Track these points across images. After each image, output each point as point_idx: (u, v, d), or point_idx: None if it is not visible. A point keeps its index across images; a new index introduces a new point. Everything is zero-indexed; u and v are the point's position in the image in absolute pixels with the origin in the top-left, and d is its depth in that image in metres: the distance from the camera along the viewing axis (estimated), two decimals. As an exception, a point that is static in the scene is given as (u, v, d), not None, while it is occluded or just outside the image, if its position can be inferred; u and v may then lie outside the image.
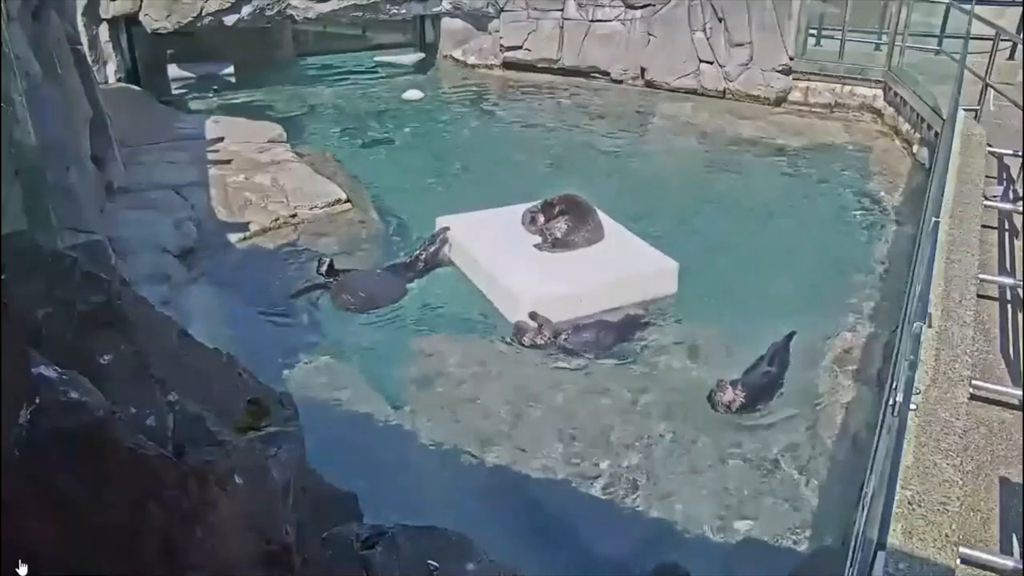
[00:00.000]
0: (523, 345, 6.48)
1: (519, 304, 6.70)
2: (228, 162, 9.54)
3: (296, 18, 13.61)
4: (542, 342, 6.46)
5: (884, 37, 12.46)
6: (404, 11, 14.62)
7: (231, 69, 14.22)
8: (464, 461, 5.36)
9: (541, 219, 7.57)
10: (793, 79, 12.58)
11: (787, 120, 12.20)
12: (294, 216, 8.52)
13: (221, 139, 10.20)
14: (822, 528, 4.84)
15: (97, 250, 5.76)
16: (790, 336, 6.47)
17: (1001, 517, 3.78)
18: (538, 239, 7.54)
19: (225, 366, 2.72)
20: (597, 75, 14.13)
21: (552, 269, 7.15)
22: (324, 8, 13.59)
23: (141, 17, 12.37)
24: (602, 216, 7.79)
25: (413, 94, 13.72)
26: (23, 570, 1.46)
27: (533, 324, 6.55)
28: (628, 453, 5.41)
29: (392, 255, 7.98)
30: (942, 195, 6.34)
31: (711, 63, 13.01)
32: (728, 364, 6.37)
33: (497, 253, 7.34)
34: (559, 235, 7.43)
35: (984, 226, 6.32)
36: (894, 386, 4.39)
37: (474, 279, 7.42)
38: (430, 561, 2.71)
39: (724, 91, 12.98)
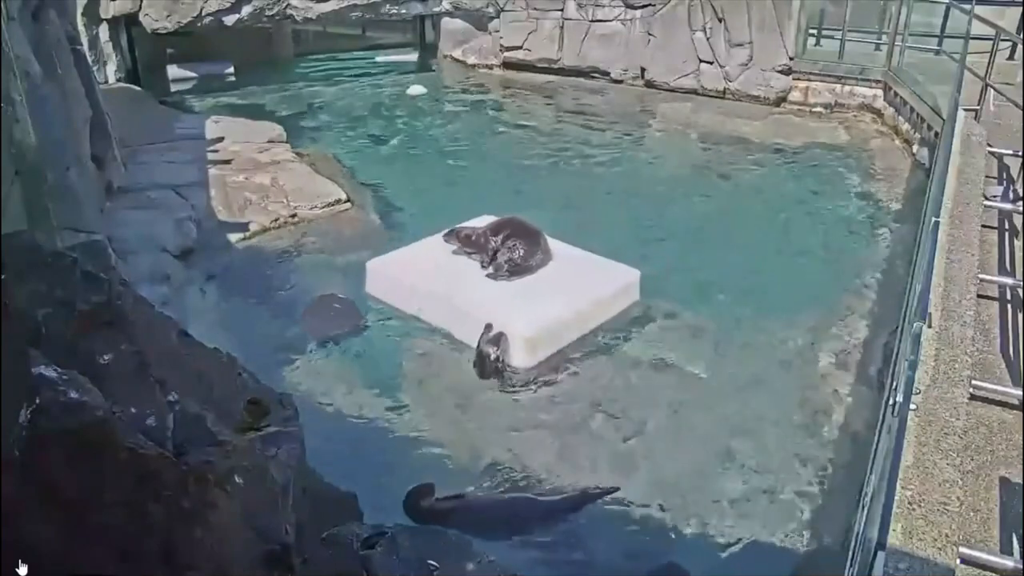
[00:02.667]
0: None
1: (514, 341, 6.25)
2: (228, 162, 9.55)
3: (296, 18, 13.62)
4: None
5: (884, 37, 12.45)
6: (404, 11, 14.64)
7: (231, 69, 14.23)
8: (463, 462, 5.36)
9: (490, 245, 7.02)
10: (793, 79, 12.57)
11: (787, 120, 12.20)
12: (294, 216, 8.53)
13: (221, 139, 10.20)
14: (822, 528, 4.84)
15: (97, 250, 5.75)
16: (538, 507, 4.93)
17: (1001, 517, 3.78)
18: (474, 265, 7.03)
19: (225, 366, 2.72)
20: (597, 75, 14.13)
21: (528, 298, 6.62)
22: (324, 8, 13.60)
23: (141, 17, 12.38)
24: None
25: (417, 89, 13.84)
26: (23, 570, 1.47)
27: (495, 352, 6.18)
28: (627, 454, 5.42)
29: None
30: (942, 195, 6.34)
31: (711, 63, 13.01)
32: (727, 364, 6.38)
33: (455, 288, 6.75)
34: (518, 260, 6.93)
35: (984, 226, 6.32)
36: (894, 386, 4.39)
37: (431, 319, 6.74)
38: (430, 561, 2.71)
39: (724, 91, 12.98)
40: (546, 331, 6.38)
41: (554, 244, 7.33)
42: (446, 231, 7.32)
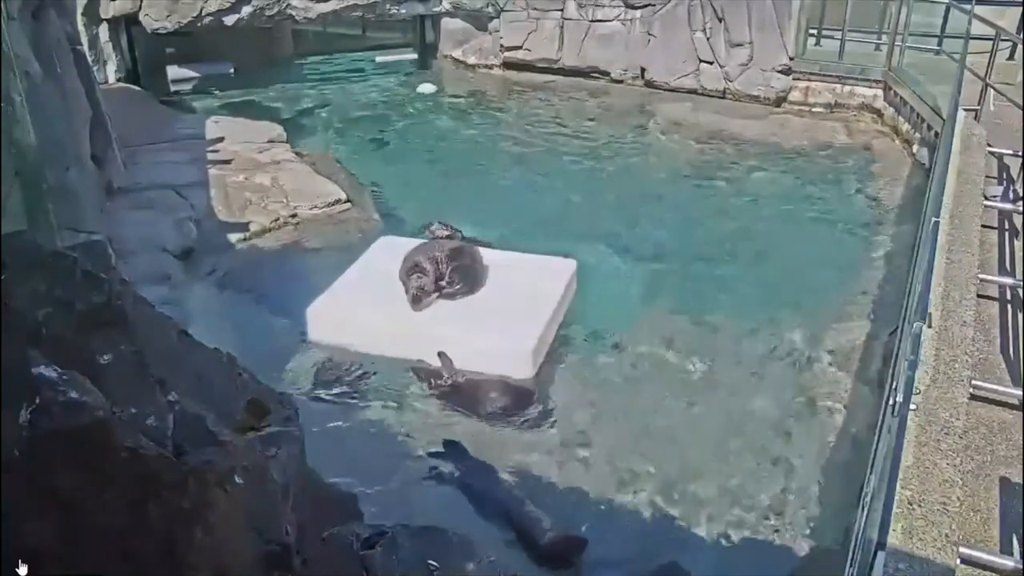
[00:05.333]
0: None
1: (519, 355, 6.14)
2: (228, 162, 9.55)
3: (296, 18, 13.61)
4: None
5: (884, 37, 12.44)
6: (404, 11, 14.62)
7: (231, 69, 14.23)
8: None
9: (432, 269, 6.61)
10: (793, 79, 12.56)
11: (787, 120, 12.19)
12: (294, 216, 8.52)
13: (221, 139, 10.20)
14: (822, 528, 4.84)
15: (97, 250, 5.75)
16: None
17: (1001, 517, 3.78)
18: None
19: (225, 366, 2.71)
20: (597, 75, 14.12)
21: (506, 311, 6.45)
22: (324, 8, 13.58)
23: (141, 17, 12.37)
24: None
25: (427, 88, 13.93)
26: (23, 570, 1.47)
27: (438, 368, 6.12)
28: (626, 454, 5.42)
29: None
30: (942, 195, 6.34)
31: (711, 63, 13.00)
32: (725, 363, 6.38)
33: (422, 316, 6.47)
34: (473, 275, 6.74)
35: (984, 226, 6.31)
36: (894, 386, 4.39)
37: (416, 354, 6.30)
38: (430, 561, 2.71)
39: (724, 91, 12.97)
40: (540, 339, 6.34)
41: (483, 251, 7.17)
42: (412, 298, 6.52)
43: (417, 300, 6.46)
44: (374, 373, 6.21)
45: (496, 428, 5.68)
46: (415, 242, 7.40)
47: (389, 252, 7.18)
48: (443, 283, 6.63)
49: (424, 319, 6.47)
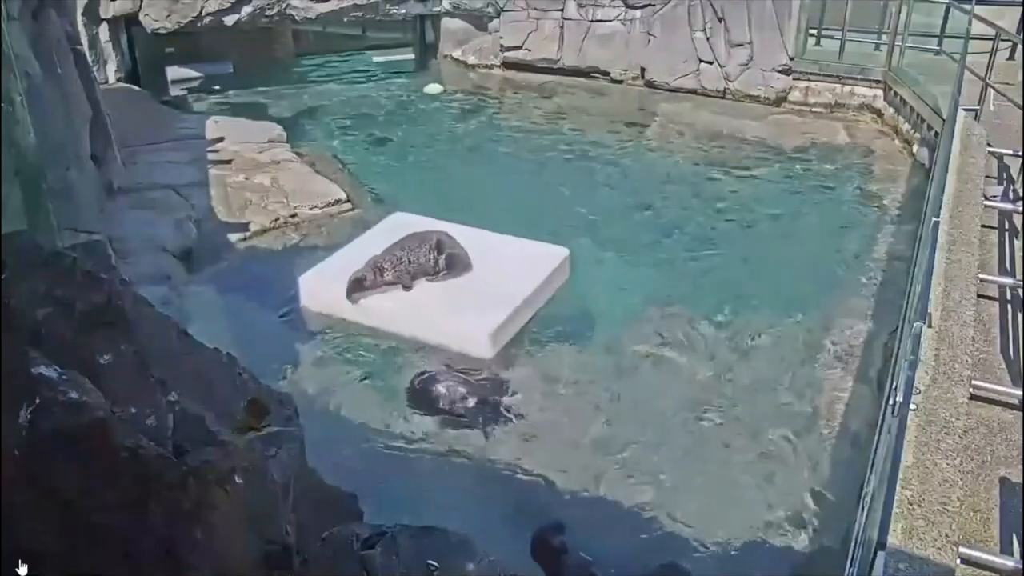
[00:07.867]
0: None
1: (479, 336, 6.31)
2: (228, 162, 9.55)
3: (296, 18, 13.61)
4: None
5: (884, 37, 12.43)
6: (404, 11, 14.62)
7: (231, 69, 14.22)
8: (464, 461, 5.36)
9: (423, 258, 6.81)
10: (793, 79, 12.56)
11: (787, 120, 12.19)
12: (294, 216, 8.52)
13: (221, 139, 10.20)
14: (822, 528, 4.84)
15: (97, 250, 5.75)
16: None
17: (1001, 517, 3.78)
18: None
19: (225, 366, 2.71)
20: (597, 75, 14.11)
21: (480, 294, 6.61)
22: (324, 8, 13.59)
23: (141, 17, 12.38)
24: (464, 228, 7.45)
25: (434, 88, 13.94)
26: (23, 570, 1.47)
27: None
28: (627, 453, 5.42)
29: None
30: (942, 195, 6.34)
31: (711, 63, 13.00)
32: (724, 363, 6.38)
33: (407, 292, 6.71)
34: (465, 260, 6.95)
35: (984, 226, 6.31)
36: (894, 386, 4.39)
37: (383, 324, 6.62)
38: (430, 561, 2.71)
39: (724, 91, 12.96)
40: (505, 323, 6.42)
41: (477, 232, 7.41)
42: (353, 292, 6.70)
43: (350, 292, 6.64)
44: (372, 370, 6.22)
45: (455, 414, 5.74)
46: (427, 220, 7.69)
47: (397, 230, 7.37)
48: (437, 272, 6.86)
49: (406, 295, 6.68)
